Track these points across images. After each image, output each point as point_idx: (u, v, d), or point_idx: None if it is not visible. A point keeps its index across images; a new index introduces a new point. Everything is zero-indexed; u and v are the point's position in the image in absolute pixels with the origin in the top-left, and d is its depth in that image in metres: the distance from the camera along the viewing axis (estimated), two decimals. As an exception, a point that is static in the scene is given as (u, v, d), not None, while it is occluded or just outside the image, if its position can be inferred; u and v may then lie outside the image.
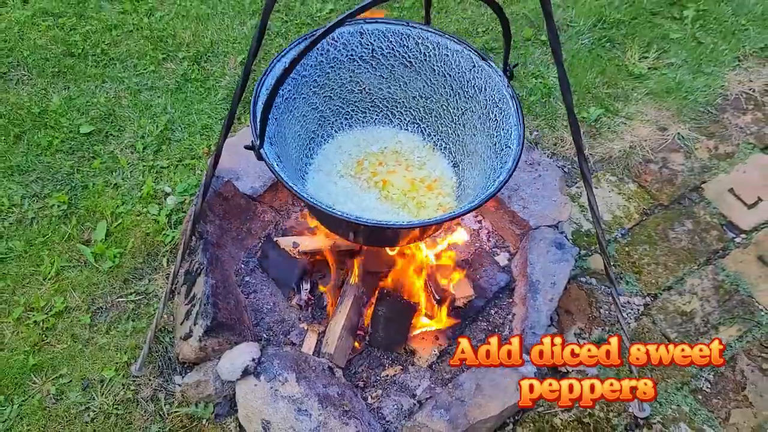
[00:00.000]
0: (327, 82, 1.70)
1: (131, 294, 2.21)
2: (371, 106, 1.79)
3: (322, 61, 1.64)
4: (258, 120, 1.33)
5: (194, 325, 1.94)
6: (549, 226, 2.23)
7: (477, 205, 1.36)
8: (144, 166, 2.58)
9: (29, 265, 2.27)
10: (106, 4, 3.25)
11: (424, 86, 1.71)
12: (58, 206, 2.43)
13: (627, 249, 2.40)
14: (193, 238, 2.05)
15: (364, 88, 1.74)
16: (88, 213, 2.42)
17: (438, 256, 2.15)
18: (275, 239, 2.20)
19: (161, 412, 1.97)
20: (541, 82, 2.93)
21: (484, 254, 2.30)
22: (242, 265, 2.25)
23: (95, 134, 2.69)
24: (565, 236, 2.23)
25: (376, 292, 2.08)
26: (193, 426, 1.94)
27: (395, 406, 1.96)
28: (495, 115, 1.52)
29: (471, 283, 2.16)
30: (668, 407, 2.03)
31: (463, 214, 1.39)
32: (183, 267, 2.11)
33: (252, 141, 1.31)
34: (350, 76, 1.70)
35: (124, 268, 2.27)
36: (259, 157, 1.31)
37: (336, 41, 1.63)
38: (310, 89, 1.68)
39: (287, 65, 1.12)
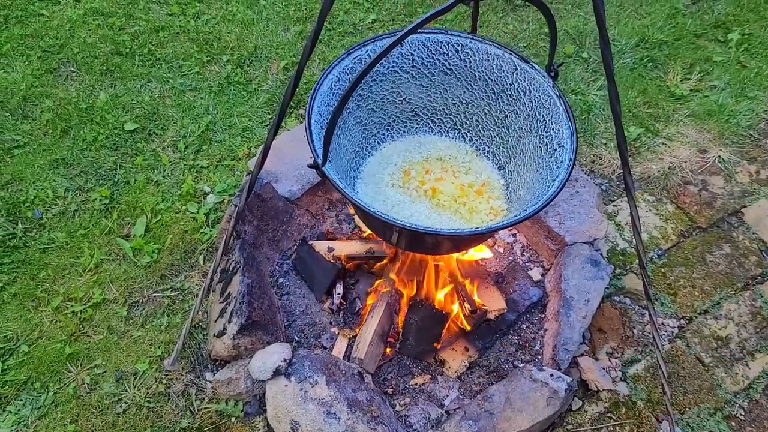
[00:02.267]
0: (370, 95, 1.72)
1: (167, 289, 2.25)
2: (412, 116, 1.81)
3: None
4: (316, 137, 1.35)
5: (228, 323, 1.96)
6: (584, 243, 2.22)
7: (543, 204, 1.35)
8: (185, 165, 2.62)
9: (70, 256, 2.33)
10: (155, 6, 3.32)
11: (464, 92, 1.72)
12: (100, 200, 2.48)
13: (663, 270, 2.37)
14: (232, 237, 2.08)
15: (405, 98, 1.75)
16: (129, 208, 2.47)
17: (471, 266, 2.15)
18: (310, 242, 2.22)
19: (191, 408, 1.99)
20: (580, 99, 2.92)
21: (517, 268, 2.29)
22: (277, 267, 2.27)
23: (139, 132, 2.75)
24: (601, 254, 2.21)
25: (409, 299, 2.08)
26: (222, 423, 1.96)
27: (423, 415, 1.96)
28: (542, 115, 1.52)
29: (504, 296, 2.15)
30: (700, 432, 2.00)
31: (535, 213, 1.37)
32: (219, 265, 2.14)
33: (314, 160, 1.33)
34: (391, 87, 1.72)
35: (162, 263, 2.31)
36: (323, 175, 1.32)
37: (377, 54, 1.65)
38: (355, 103, 1.70)
39: (353, 81, 1.13)
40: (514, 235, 2.42)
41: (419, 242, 1.61)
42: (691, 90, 3.00)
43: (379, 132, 1.85)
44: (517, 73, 1.59)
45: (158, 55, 3.08)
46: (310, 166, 1.33)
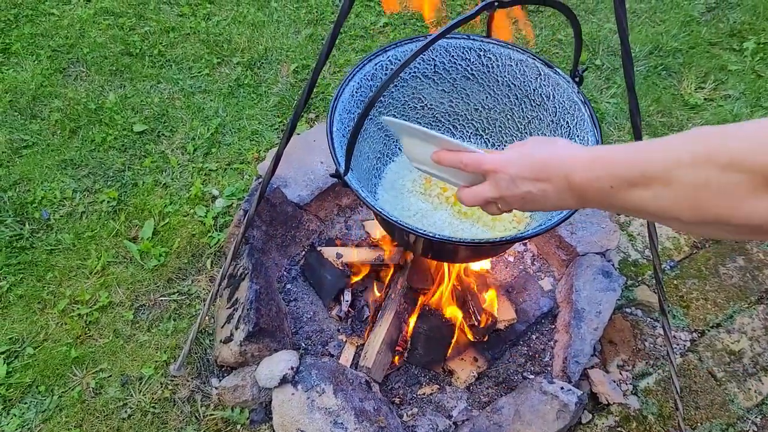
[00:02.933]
0: (391, 101, 1.69)
1: (174, 294, 2.23)
2: (433, 121, 1.78)
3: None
4: (338, 146, 1.33)
5: (235, 329, 1.94)
6: (596, 254, 2.19)
7: (568, 214, 1.32)
8: (193, 167, 2.61)
9: (77, 258, 2.31)
10: (165, 6, 3.31)
11: (486, 98, 1.69)
12: (108, 202, 2.47)
13: (675, 282, 2.34)
14: (241, 242, 2.06)
15: (426, 104, 1.73)
16: (137, 210, 2.45)
17: (479, 276, 2.13)
18: (319, 249, 2.20)
19: (197, 414, 1.97)
20: (594, 107, 2.89)
21: (528, 278, 2.26)
22: (285, 273, 2.25)
23: (148, 133, 2.73)
24: (613, 264, 2.19)
25: (418, 308, 2.06)
26: (227, 430, 1.94)
27: (430, 426, 1.93)
28: (566, 121, 1.49)
29: (514, 306, 2.13)
30: (712, 449, 1.96)
31: (561, 222, 1.34)
32: (227, 270, 2.12)
33: (336, 169, 1.30)
34: (413, 93, 1.69)
35: (169, 267, 2.29)
36: (345, 185, 1.30)
37: (399, 60, 1.62)
38: (375, 109, 1.67)
39: (378, 88, 1.11)
40: (524, 245, 2.39)
41: (441, 251, 1.58)
42: (705, 99, 2.97)
43: (395, 140, 1.82)
44: (540, 78, 1.56)
45: (168, 56, 3.06)
46: (332, 176, 1.30)
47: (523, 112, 1.64)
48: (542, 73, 1.54)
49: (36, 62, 2.97)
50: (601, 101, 2.93)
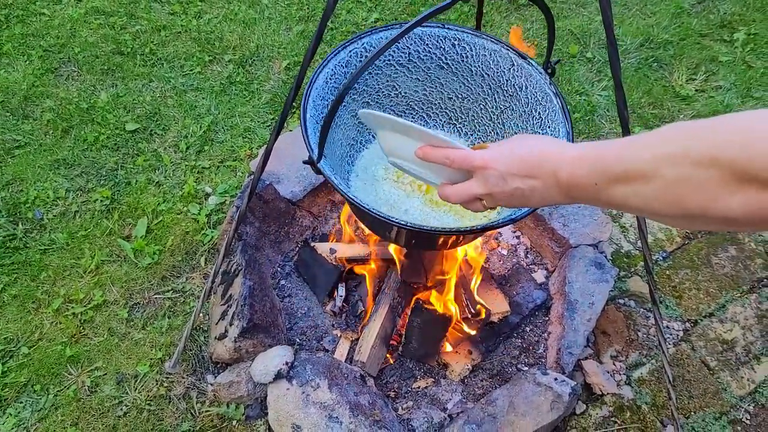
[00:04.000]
0: (365, 88, 1.69)
1: (168, 291, 2.24)
2: (407, 109, 1.78)
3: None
4: (311, 132, 1.33)
5: (230, 325, 1.95)
6: (589, 245, 2.20)
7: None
8: (186, 165, 2.61)
9: (70, 257, 2.31)
10: (156, 5, 3.31)
11: (460, 87, 1.69)
12: (101, 201, 2.47)
13: (668, 272, 2.35)
14: (234, 239, 2.07)
15: (401, 92, 1.73)
16: (130, 209, 2.45)
17: (473, 267, 2.14)
18: (312, 244, 2.20)
19: (192, 411, 1.98)
20: (585, 100, 2.90)
21: (521, 270, 2.27)
22: (278, 269, 2.26)
23: (140, 132, 2.73)
24: (605, 256, 2.20)
25: (412, 302, 2.07)
26: (223, 426, 1.95)
27: (425, 419, 1.94)
28: (539, 112, 1.50)
29: (507, 299, 2.13)
30: (705, 437, 1.98)
31: (530, 213, 1.35)
32: (221, 267, 2.13)
33: (309, 156, 1.30)
34: (387, 81, 1.70)
35: (163, 265, 2.30)
36: (318, 171, 1.30)
37: (373, 47, 1.62)
38: (350, 97, 1.67)
39: (353, 75, 1.11)
40: (517, 237, 2.40)
41: (416, 239, 1.59)
42: (696, 90, 2.98)
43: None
44: (513, 69, 1.56)
45: (160, 55, 3.06)
46: (305, 162, 1.31)
47: (496, 102, 1.65)
48: (515, 64, 1.55)
49: (27, 62, 2.97)
50: (592, 94, 2.94)
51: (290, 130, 2.54)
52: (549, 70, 1.48)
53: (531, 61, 1.52)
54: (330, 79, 1.52)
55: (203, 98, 2.88)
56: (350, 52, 1.55)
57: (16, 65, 2.95)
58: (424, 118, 1.81)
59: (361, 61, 1.59)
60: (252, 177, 1.62)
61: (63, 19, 3.19)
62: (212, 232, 2.38)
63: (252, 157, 2.64)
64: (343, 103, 1.63)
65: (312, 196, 2.32)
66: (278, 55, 3.09)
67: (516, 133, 1.61)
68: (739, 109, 2.86)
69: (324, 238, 2.32)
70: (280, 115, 1.40)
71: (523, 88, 1.55)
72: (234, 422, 1.95)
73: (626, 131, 1.42)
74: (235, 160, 2.64)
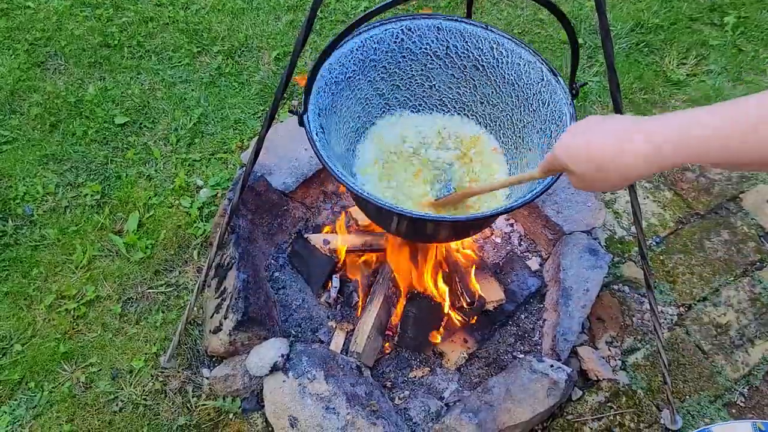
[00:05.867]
0: (396, 71, 1.68)
1: (161, 285, 2.22)
2: (439, 104, 1.77)
3: (394, 49, 1.63)
4: (317, 90, 1.36)
5: (224, 318, 1.94)
6: (583, 232, 2.20)
7: (512, 208, 1.33)
8: (177, 158, 2.59)
9: (62, 253, 2.29)
10: (143, -3, 3.27)
11: (492, 92, 1.67)
12: (92, 195, 2.45)
13: (661, 257, 2.36)
14: (226, 232, 2.06)
15: (434, 85, 1.72)
16: (121, 203, 2.43)
17: (466, 257, 2.13)
18: (306, 236, 2.19)
19: (189, 405, 1.97)
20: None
21: (515, 258, 2.27)
22: (272, 261, 2.25)
23: (129, 125, 2.71)
24: (599, 242, 2.20)
25: (406, 292, 2.06)
26: (220, 419, 1.94)
27: (422, 408, 1.94)
28: (551, 131, 1.48)
29: (502, 287, 2.13)
30: (701, 420, 1.99)
31: (506, 212, 1.35)
32: (214, 260, 2.11)
33: (296, 106, 1.33)
34: (421, 69, 1.68)
35: (155, 259, 2.28)
36: (301, 123, 1.34)
37: (412, 32, 1.62)
38: (378, 74, 1.66)
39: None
40: (511, 225, 2.40)
41: (414, 229, 1.58)
42: (687, 75, 2.98)
43: (398, 105, 1.79)
44: (542, 84, 1.54)
45: (147, 47, 3.03)
46: (290, 111, 1.34)
47: (521, 114, 1.62)
48: (545, 79, 1.52)
49: (13, 56, 2.93)
50: (584, 79, 2.93)
51: (281, 121, 2.52)
52: (573, 91, 1.46)
53: (560, 78, 1.49)
54: (357, 49, 1.56)
55: (192, 90, 2.86)
56: (385, 30, 1.59)
57: (2, 59, 2.91)
58: (456, 116, 1.79)
59: (395, 40, 1.62)
60: (244, 169, 1.61)
61: (48, 12, 3.14)
62: (205, 225, 2.36)
63: (243, 149, 2.62)
64: (369, 79, 1.63)
65: (305, 188, 2.31)
66: (267, 45, 3.06)
67: (531, 149, 1.59)
68: (731, 93, 2.87)
69: (317, 229, 2.31)
70: (271, 106, 1.39)
71: (546, 104, 1.53)
72: (230, 415, 1.95)
73: (619, 113, 1.41)
74: (226, 152, 2.62)
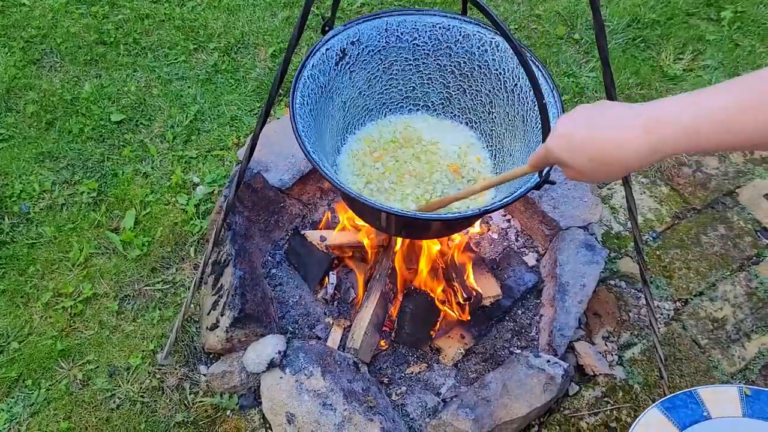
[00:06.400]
0: (384, 70, 1.70)
1: (158, 283, 2.22)
2: (454, 111, 1.79)
3: (384, 47, 1.65)
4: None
5: (221, 315, 1.94)
6: (579, 227, 2.20)
7: (498, 206, 1.33)
8: (173, 155, 2.58)
9: (58, 251, 2.29)
10: (138, -6, 3.27)
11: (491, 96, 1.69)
12: (88, 193, 2.45)
13: (658, 252, 2.36)
14: (222, 229, 2.05)
15: (425, 82, 1.74)
16: (118, 201, 2.43)
17: (463, 253, 2.13)
18: (303, 232, 2.19)
19: (186, 402, 1.97)
20: (572, 81, 2.89)
21: (512, 254, 2.27)
22: (269, 258, 2.25)
23: (126, 123, 2.70)
24: (596, 238, 2.20)
25: (403, 288, 2.06)
26: (217, 416, 1.94)
27: (420, 404, 1.95)
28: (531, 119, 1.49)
29: (499, 282, 2.14)
30: (697, 415, 1.99)
31: (492, 211, 1.35)
32: (211, 257, 2.11)
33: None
34: (412, 66, 1.71)
35: (152, 256, 2.28)
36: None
37: (404, 24, 1.64)
38: (365, 74, 1.67)
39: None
40: (508, 221, 2.40)
41: (404, 226, 1.58)
42: (684, 70, 2.98)
43: (393, 103, 1.81)
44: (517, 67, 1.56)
45: (143, 44, 3.02)
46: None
47: (524, 134, 1.61)
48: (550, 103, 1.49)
49: (9, 54, 2.92)
50: (580, 75, 2.93)
51: (277, 118, 2.52)
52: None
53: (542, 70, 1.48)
54: (357, 40, 1.62)
55: (189, 87, 2.85)
56: (388, 22, 1.62)
57: (-2, 57, 2.91)
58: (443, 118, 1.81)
59: (398, 36, 1.62)
60: (240, 166, 1.61)
61: (44, 9, 3.14)
62: (201, 222, 2.36)
63: (239, 146, 2.62)
64: (330, 95, 1.63)
65: (301, 184, 2.31)
66: (264, 42, 3.06)
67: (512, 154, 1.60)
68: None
69: (314, 225, 2.31)
70: (266, 102, 1.39)
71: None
72: (228, 412, 1.95)
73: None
74: (222, 149, 2.62)
